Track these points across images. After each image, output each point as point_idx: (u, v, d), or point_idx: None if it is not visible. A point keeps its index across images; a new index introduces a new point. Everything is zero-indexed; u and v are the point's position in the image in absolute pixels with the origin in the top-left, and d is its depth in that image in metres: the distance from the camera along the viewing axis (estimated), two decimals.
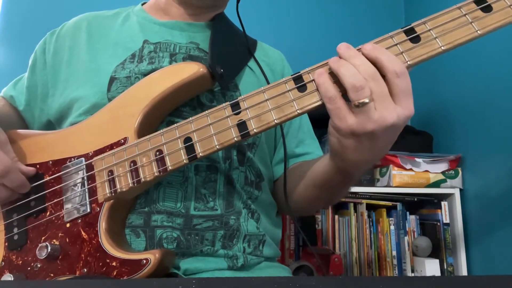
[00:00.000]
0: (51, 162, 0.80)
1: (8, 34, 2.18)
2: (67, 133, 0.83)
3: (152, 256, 0.66)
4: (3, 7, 2.19)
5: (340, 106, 0.61)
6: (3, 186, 0.76)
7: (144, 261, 0.66)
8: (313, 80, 0.65)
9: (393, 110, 0.60)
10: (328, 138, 0.69)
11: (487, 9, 0.64)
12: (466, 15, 0.64)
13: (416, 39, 0.64)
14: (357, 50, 0.63)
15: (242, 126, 0.68)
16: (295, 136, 1.01)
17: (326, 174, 0.77)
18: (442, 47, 0.63)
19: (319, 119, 1.00)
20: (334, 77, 0.63)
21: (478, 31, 0.63)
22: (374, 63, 0.61)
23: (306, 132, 1.04)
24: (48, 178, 0.78)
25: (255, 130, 0.67)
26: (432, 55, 0.63)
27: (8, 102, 1.00)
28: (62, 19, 1.03)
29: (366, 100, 0.59)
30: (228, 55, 0.91)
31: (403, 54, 0.64)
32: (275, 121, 0.66)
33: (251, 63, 0.98)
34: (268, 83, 0.93)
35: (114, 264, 0.68)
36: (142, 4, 1.05)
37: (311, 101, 0.66)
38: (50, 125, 0.95)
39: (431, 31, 0.64)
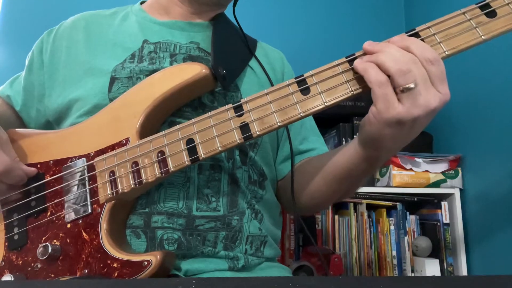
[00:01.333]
0: (52, 162, 0.79)
1: (8, 34, 2.18)
2: (68, 133, 0.82)
3: (154, 258, 0.66)
4: (3, 7, 2.18)
5: (389, 92, 0.61)
6: (1, 182, 0.76)
7: (146, 263, 0.66)
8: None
9: (435, 94, 0.60)
10: (361, 127, 0.69)
11: (492, 14, 0.64)
12: (471, 20, 0.64)
13: None
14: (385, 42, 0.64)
15: (245, 128, 0.68)
16: (298, 134, 1.01)
17: (350, 165, 0.77)
18: (446, 52, 0.63)
19: (321, 118, 1.00)
20: None
21: (483, 36, 0.63)
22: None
23: (309, 129, 1.04)
24: (49, 178, 0.78)
25: (258, 132, 0.67)
26: None
27: (5, 101, 1.00)
28: (62, 19, 1.02)
29: (412, 85, 0.59)
30: (229, 55, 0.91)
31: None
32: (278, 123, 0.66)
33: (252, 62, 0.97)
34: (270, 81, 0.93)
35: (115, 265, 0.68)
36: (141, 3, 1.04)
37: (314, 104, 0.66)
38: (49, 126, 0.95)
39: (435, 35, 0.64)
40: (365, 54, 0.66)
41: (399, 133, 0.63)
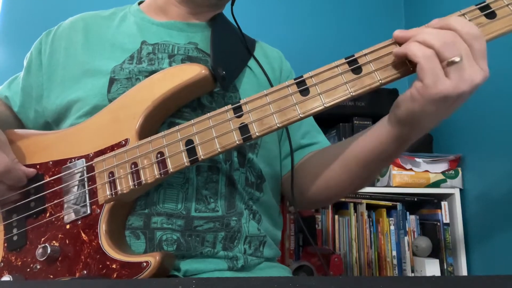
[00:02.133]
0: (51, 163, 0.79)
1: (8, 34, 2.18)
2: (67, 134, 0.82)
3: (153, 259, 0.66)
4: (3, 7, 2.18)
5: (437, 65, 0.60)
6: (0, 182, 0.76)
7: (145, 264, 0.66)
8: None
9: (479, 69, 0.60)
10: (399, 105, 0.67)
11: (491, 15, 0.64)
12: (471, 22, 0.63)
13: None
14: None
15: (244, 129, 0.67)
16: (299, 129, 1.00)
17: (379, 145, 0.75)
18: None
19: (321, 118, 1.00)
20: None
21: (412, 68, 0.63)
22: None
23: (310, 125, 1.04)
24: (48, 179, 0.78)
25: (257, 133, 0.67)
26: None
27: (3, 102, 1.00)
28: (62, 19, 1.02)
29: (458, 59, 0.58)
30: (229, 56, 0.91)
31: (407, 59, 0.64)
32: (278, 125, 0.66)
33: (251, 62, 0.97)
34: (269, 81, 0.93)
35: (114, 266, 0.68)
36: (139, 4, 1.04)
37: (314, 105, 0.66)
38: (48, 127, 0.94)
39: None
40: (365, 54, 0.66)
41: (440, 110, 0.63)
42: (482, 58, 0.60)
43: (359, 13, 2.45)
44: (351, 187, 0.88)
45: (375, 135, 0.76)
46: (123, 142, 0.75)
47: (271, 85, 0.93)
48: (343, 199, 1.82)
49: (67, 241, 0.73)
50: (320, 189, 0.90)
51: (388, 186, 1.81)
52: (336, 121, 1.95)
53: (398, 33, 0.65)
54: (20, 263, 0.74)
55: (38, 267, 0.72)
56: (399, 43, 0.65)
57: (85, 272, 0.70)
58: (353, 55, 0.67)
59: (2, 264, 0.76)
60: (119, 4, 1.05)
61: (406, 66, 0.64)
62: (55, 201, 0.76)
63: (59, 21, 1.01)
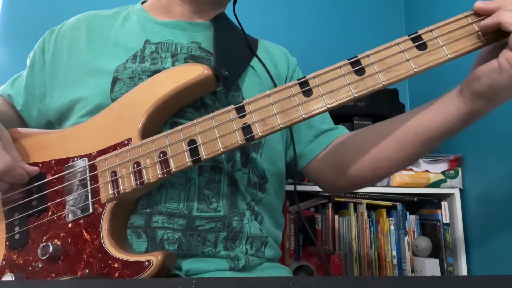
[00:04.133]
0: (53, 162, 0.79)
1: (8, 34, 2.18)
2: (69, 133, 0.82)
3: (155, 258, 0.66)
4: (3, 7, 2.18)
5: None
6: (2, 180, 0.76)
7: (147, 263, 0.66)
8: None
9: None
10: (479, 77, 0.65)
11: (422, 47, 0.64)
12: (474, 24, 0.64)
13: (422, 47, 0.64)
14: None
15: (246, 129, 0.68)
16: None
17: (446, 123, 0.72)
18: (449, 55, 0.63)
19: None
20: None
21: (485, 41, 0.63)
22: None
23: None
24: (50, 177, 0.78)
25: (259, 134, 0.67)
26: (439, 63, 0.63)
27: (6, 101, 1.00)
28: (62, 19, 1.02)
29: None
30: (231, 56, 0.91)
31: (409, 61, 0.64)
32: (280, 125, 0.66)
33: (253, 62, 0.97)
34: (272, 79, 0.93)
35: (116, 265, 0.68)
36: (142, 3, 1.04)
37: (317, 106, 0.66)
38: (50, 126, 0.95)
39: (437, 39, 0.64)
40: (367, 56, 0.66)
41: None
42: None
43: (359, 14, 2.45)
44: (402, 166, 0.84)
45: (442, 111, 0.73)
46: (126, 142, 0.75)
47: (274, 84, 0.93)
48: (343, 199, 1.82)
49: (69, 240, 0.73)
50: (366, 169, 0.86)
51: (388, 186, 1.81)
52: (336, 121, 1.94)
53: (480, 4, 0.64)
54: (22, 261, 0.74)
55: (40, 265, 0.73)
56: (481, 14, 0.64)
57: (87, 271, 0.70)
58: (356, 56, 0.67)
59: (4, 262, 0.76)
60: (120, 4, 1.05)
61: (407, 67, 0.64)
62: (57, 200, 0.76)
63: (60, 21, 1.02)
